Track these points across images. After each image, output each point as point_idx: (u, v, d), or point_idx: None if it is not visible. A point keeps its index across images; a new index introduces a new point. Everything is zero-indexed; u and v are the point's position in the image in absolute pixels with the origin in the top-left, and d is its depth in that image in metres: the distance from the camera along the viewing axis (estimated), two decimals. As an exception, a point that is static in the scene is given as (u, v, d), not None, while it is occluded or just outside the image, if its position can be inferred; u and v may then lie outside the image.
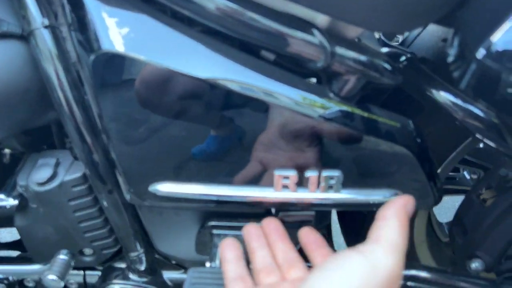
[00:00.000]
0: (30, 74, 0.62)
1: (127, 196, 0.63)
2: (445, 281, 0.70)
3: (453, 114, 0.57)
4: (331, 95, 0.55)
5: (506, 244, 0.72)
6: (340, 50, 0.51)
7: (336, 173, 0.56)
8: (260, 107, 0.53)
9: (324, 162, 0.56)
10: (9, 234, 0.95)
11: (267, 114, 0.54)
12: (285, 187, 0.58)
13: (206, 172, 0.58)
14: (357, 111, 0.55)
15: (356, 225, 0.95)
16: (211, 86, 0.52)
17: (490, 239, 0.73)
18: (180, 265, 0.82)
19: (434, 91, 0.60)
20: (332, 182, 0.57)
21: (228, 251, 0.55)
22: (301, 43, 0.50)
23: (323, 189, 0.58)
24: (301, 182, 0.58)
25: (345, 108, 0.54)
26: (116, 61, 0.51)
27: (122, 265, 0.82)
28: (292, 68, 0.60)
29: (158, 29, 0.52)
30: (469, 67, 0.50)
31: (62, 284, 0.70)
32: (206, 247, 0.68)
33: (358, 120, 0.54)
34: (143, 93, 0.53)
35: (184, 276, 0.82)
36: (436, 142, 0.70)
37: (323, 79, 0.56)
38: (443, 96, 0.59)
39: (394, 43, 0.70)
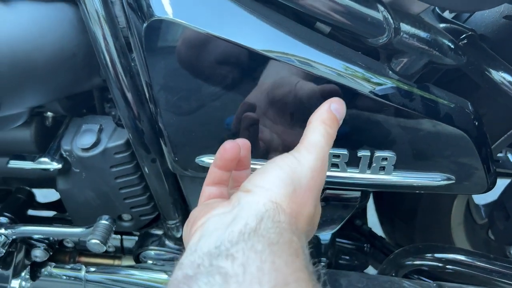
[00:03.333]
0: (78, 39, 0.62)
1: (170, 166, 0.62)
2: (486, 266, 0.69)
3: (513, 96, 0.56)
4: (390, 72, 0.52)
5: (551, 232, 0.71)
6: (404, 26, 0.49)
7: (389, 154, 0.55)
8: (315, 81, 0.51)
9: (378, 142, 0.55)
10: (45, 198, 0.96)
11: (322, 90, 0.52)
12: (335, 165, 0.56)
13: (255, 147, 0.57)
14: (416, 91, 0.52)
15: (391, 204, 0.95)
16: (265, 58, 0.50)
17: (535, 226, 0.71)
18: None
19: (493, 72, 0.57)
20: (384, 163, 0.55)
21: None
22: (364, 18, 0.48)
23: (374, 170, 0.56)
24: (352, 161, 0.56)
25: (403, 86, 0.52)
26: (169, 28, 0.50)
27: (159, 232, 0.83)
28: (346, 42, 0.58)
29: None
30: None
31: (105, 248, 0.71)
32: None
33: (416, 100, 0.52)
34: (196, 63, 0.51)
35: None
36: (488, 123, 0.67)
37: (382, 55, 0.53)
38: (505, 78, 0.56)
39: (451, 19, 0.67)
